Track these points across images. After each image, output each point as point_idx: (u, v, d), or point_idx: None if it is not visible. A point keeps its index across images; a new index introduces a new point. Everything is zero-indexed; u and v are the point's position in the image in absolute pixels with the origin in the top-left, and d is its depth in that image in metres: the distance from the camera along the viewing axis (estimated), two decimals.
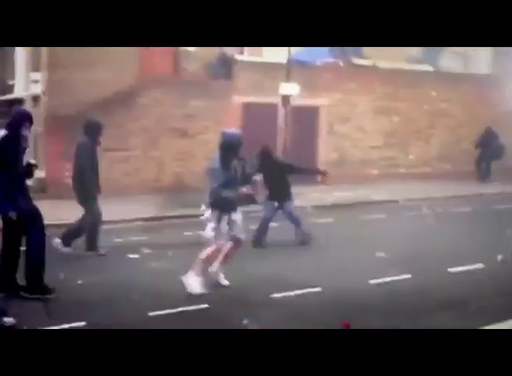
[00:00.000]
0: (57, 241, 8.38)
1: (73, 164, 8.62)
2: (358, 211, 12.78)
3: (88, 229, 8.55)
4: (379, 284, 7.18)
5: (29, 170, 6.51)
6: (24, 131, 6.42)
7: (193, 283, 6.68)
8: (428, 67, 19.14)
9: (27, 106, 14.76)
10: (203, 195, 7.01)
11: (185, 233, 10.00)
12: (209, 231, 6.84)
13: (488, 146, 18.12)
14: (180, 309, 6.19)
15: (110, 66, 14.46)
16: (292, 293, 6.78)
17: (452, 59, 19.73)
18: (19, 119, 6.49)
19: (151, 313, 5.98)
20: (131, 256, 8.53)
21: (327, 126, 17.42)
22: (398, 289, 7.03)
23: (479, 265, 8.07)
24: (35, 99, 15.33)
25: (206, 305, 6.32)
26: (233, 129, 7.63)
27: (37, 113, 13.74)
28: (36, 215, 6.52)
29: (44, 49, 14.39)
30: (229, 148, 6.83)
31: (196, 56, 16.03)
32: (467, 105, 19.28)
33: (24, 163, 6.46)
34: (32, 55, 15.51)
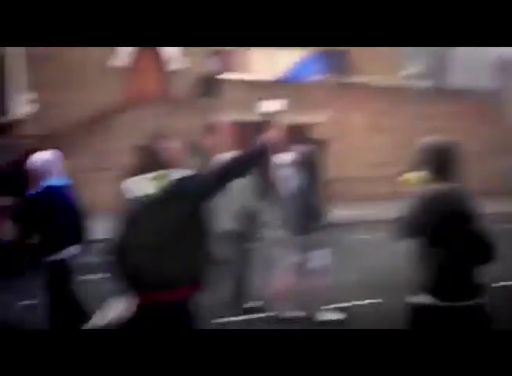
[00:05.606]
0: None
1: None
2: (347, 230, 11.99)
3: None
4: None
5: None
6: None
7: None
8: (427, 83, 18.83)
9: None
10: None
11: None
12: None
13: None
14: None
15: (96, 88, 14.44)
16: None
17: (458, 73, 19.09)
18: None
19: None
20: None
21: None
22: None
23: None
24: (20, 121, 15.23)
25: None
26: None
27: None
28: None
29: (29, 70, 14.41)
30: None
31: (184, 76, 15.96)
32: (468, 122, 18.71)
33: None
34: (21, 75, 15.48)
